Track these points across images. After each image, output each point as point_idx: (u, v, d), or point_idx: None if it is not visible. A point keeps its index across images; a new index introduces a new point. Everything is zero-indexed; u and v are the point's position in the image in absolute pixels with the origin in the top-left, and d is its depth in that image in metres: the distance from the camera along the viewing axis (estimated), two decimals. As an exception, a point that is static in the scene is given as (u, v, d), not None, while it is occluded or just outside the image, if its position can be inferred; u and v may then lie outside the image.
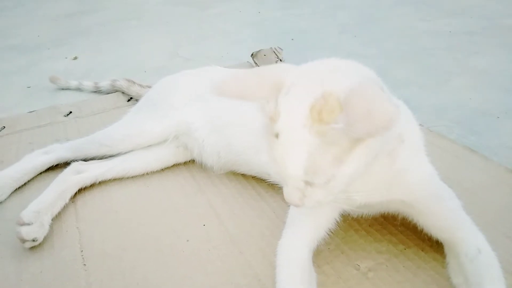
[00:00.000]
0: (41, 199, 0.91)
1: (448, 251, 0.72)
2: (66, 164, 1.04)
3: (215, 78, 1.09)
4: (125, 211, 0.95)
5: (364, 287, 0.71)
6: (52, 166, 1.07)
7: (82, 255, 0.83)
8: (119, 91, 1.53)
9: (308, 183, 0.55)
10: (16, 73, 1.97)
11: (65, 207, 0.95)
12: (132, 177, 1.05)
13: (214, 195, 0.98)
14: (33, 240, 0.84)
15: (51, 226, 0.88)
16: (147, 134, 1.04)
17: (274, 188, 0.95)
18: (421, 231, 0.74)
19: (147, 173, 1.06)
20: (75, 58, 2.11)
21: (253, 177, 1.00)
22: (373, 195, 0.66)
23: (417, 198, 0.69)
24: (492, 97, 1.37)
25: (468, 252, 0.67)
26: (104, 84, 1.58)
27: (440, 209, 0.71)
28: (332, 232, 0.74)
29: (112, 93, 1.55)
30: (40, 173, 1.06)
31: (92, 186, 1.02)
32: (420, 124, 0.73)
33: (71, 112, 1.42)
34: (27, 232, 0.83)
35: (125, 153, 1.05)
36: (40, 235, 0.85)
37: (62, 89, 1.68)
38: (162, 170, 1.07)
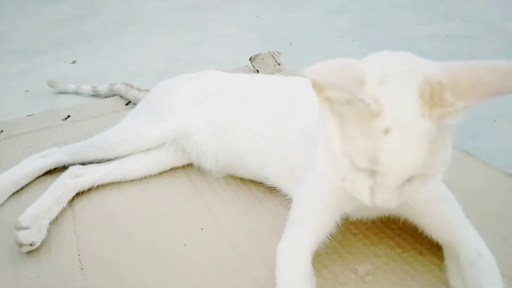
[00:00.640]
0: (38, 203, 0.91)
1: (447, 254, 0.72)
2: (64, 168, 1.04)
3: (212, 82, 1.09)
4: (122, 215, 0.95)
5: (362, 291, 0.71)
6: (50, 170, 1.07)
7: (80, 259, 0.83)
8: (117, 95, 1.53)
9: (409, 178, 0.54)
10: (14, 77, 1.97)
11: (62, 211, 0.94)
12: (130, 181, 1.04)
13: (212, 198, 0.98)
14: (31, 244, 0.83)
15: (48, 230, 0.88)
16: (145, 138, 1.03)
17: (272, 192, 0.95)
18: (419, 234, 0.74)
19: (145, 177, 1.05)
20: (74, 62, 2.12)
21: (251, 181, 1.00)
22: None
23: (420, 200, 0.69)
24: (489, 101, 1.37)
25: (468, 256, 0.67)
26: (102, 88, 1.57)
27: (442, 211, 0.71)
28: (330, 235, 0.74)
29: (110, 97, 1.55)
30: (38, 177, 1.06)
31: (90, 190, 1.01)
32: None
33: (69, 116, 1.42)
34: (24, 236, 0.83)
35: (123, 157, 1.05)
36: (37, 239, 0.84)
37: (61, 93, 1.68)
38: (160, 173, 1.07)
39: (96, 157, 1.05)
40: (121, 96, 1.51)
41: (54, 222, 0.91)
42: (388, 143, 0.50)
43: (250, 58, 1.69)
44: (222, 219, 0.91)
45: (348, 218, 0.79)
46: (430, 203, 0.69)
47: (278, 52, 1.72)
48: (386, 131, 0.50)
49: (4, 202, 0.99)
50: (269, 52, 1.70)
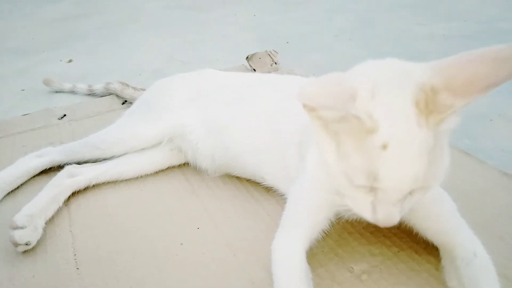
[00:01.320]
0: (34, 202, 0.90)
1: (443, 255, 0.72)
2: (59, 167, 1.03)
3: (209, 81, 1.09)
4: (118, 214, 0.94)
5: (358, 290, 0.71)
6: (46, 169, 1.06)
7: (75, 259, 0.82)
8: (113, 94, 1.52)
9: (410, 192, 0.52)
10: (10, 76, 1.96)
11: (58, 211, 0.94)
12: (126, 180, 1.04)
13: (209, 198, 0.97)
14: (26, 244, 0.83)
15: (44, 230, 0.88)
16: (141, 137, 1.03)
17: (269, 191, 0.95)
18: (416, 233, 0.74)
19: (141, 176, 1.05)
20: (70, 61, 2.11)
21: (248, 180, 1.00)
22: None
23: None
24: (485, 100, 1.36)
25: (464, 256, 0.67)
26: (98, 87, 1.57)
27: (437, 212, 0.71)
28: (326, 234, 0.74)
29: (106, 96, 1.55)
30: (34, 176, 1.06)
31: (85, 189, 1.01)
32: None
33: (65, 115, 1.41)
34: (20, 236, 0.82)
35: (119, 156, 1.05)
36: (33, 239, 0.84)
37: (56, 92, 1.67)
38: (156, 173, 1.07)
39: (92, 157, 1.05)
40: (117, 95, 1.51)
41: (50, 221, 0.91)
42: (386, 159, 0.49)
43: (247, 57, 1.69)
44: (218, 219, 0.90)
45: (343, 217, 0.79)
46: (425, 205, 0.68)
47: (275, 51, 1.72)
48: (384, 147, 0.48)
49: (0, 201, 0.98)
50: (266, 51, 1.70)
